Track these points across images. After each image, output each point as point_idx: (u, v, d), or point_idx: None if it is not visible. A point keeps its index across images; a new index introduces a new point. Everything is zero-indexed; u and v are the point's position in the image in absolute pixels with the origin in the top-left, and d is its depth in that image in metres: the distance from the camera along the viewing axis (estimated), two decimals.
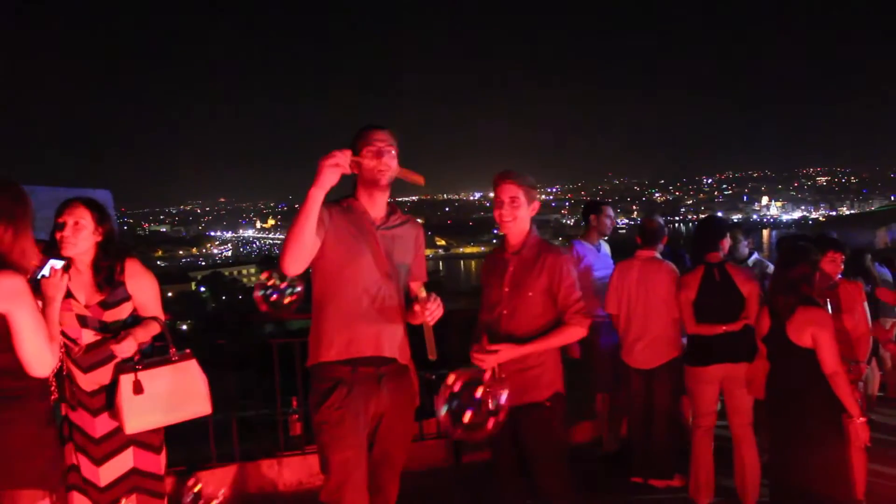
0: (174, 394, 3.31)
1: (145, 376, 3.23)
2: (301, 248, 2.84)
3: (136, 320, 3.39)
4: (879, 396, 7.36)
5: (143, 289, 3.43)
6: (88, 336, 3.29)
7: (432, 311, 2.99)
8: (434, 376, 4.78)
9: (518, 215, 3.50)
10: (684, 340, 5.08)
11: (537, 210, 3.62)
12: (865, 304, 5.03)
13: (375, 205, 3.15)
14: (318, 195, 2.76)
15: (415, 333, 3.20)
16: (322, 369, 3.06)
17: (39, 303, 2.77)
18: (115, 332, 3.30)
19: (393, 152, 3.08)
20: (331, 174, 2.73)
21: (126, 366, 3.25)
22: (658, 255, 5.18)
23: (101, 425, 3.31)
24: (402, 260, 3.18)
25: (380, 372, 3.07)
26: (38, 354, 2.64)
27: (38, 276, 2.89)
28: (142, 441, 3.37)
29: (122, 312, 3.36)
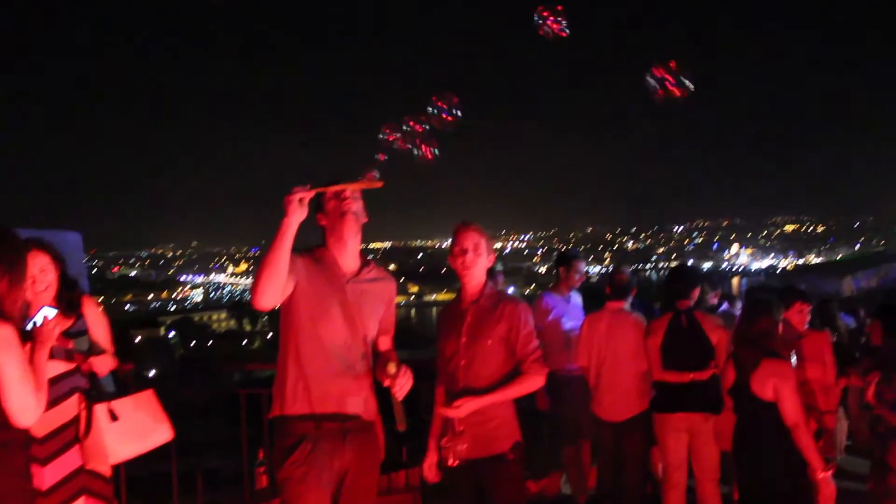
0: (141, 423, 3.36)
1: (116, 406, 3.26)
2: (276, 277, 2.80)
3: (94, 350, 3.41)
4: (847, 445, 7.39)
5: (99, 324, 3.49)
6: (54, 368, 3.23)
7: (402, 386, 2.97)
8: (405, 427, 4.74)
9: (479, 263, 3.52)
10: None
11: (493, 262, 3.66)
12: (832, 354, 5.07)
13: (347, 255, 3.14)
14: (291, 223, 2.76)
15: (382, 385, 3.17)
16: (285, 424, 3.03)
17: (27, 348, 2.78)
18: (80, 362, 3.31)
19: (358, 196, 3.11)
20: (297, 207, 2.76)
21: (95, 395, 3.28)
22: (627, 307, 5.21)
23: (50, 475, 3.20)
24: (372, 314, 3.16)
25: (344, 427, 3.03)
26: (24, 404, 2.62)
27: (31, 325, 2.91)
28: (94, 490, 3.29)
29: (83, 343, 3.39)
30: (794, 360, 4.55)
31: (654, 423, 4.89)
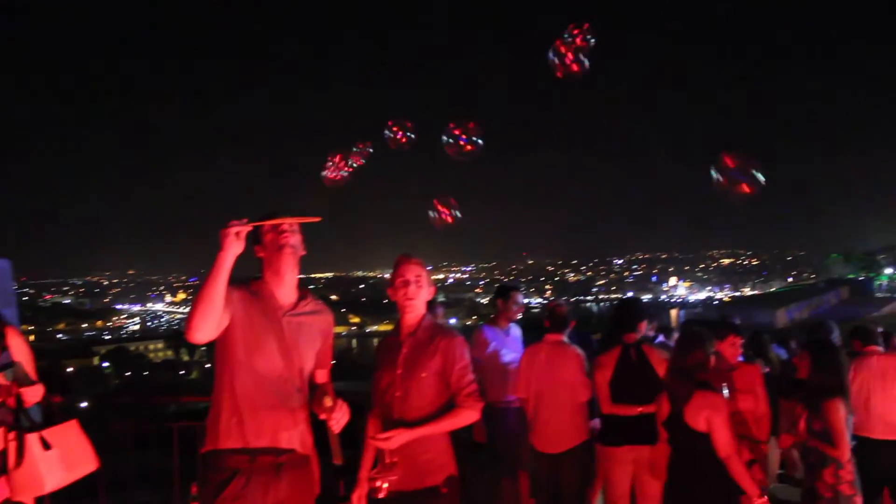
0: (68, 452, 3.31)
1: (47, 435, 3.21)
2: (211, 311, 2.79)
3: (20, 381, 3.35)
4: (780, 474, 7.53)
5: (24, 355, 3.41)
6: None
7: (338, 420, 2.95)
8: (342, 461, 4.68)
9: (421, 295, 3.53)
10: (593, 423, 5.13)
11: (433, 294, 3.67)
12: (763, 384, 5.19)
13: (284, 287, 3.12)
14: (226, 257, 2.76)
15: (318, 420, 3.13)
16: (218, 458, 2.97)
17: None
18: (5, 396, 3.24)
19: (296, 229, 3.10)
20: (233, 240, 2.75)
21: (28, 426, 3.21)
22: (565, 339, 5.25)
23: None
24: (308, 348, 3.13)
25: (279, 461, 2.99)
26: None
27: None
28: None
29: (9, 376, 3.34)
30: (726, 391, 4.65)
31: (600, 456, 4.93)
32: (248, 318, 3.00)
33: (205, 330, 2.82)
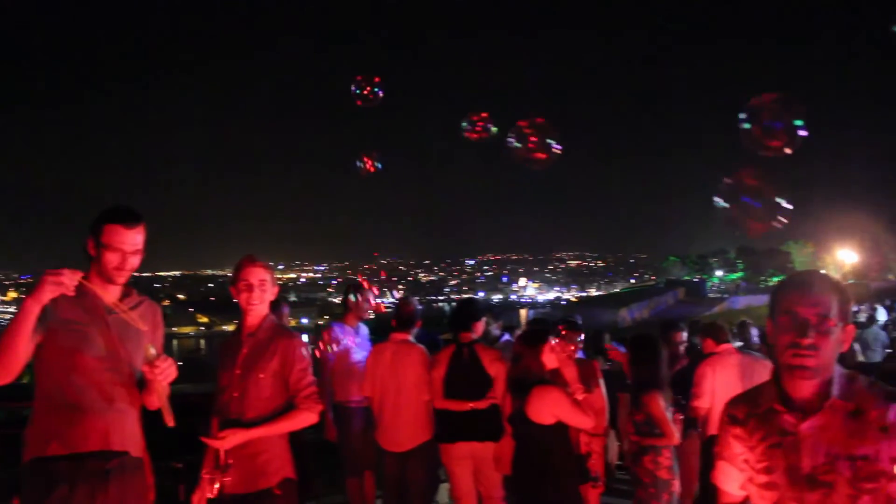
0: None
1: None
2: (13, 359, 2.70)
3: None
4: (618, 465, 7.90)
5: None
6: None
7: (163, 370, 2.82)
8: (182, 464, 4.54)
9: (266, 299, 3.48)
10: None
11: (276, 295, 3.63)
12: (602, 380, 5.45)
13: (110, 289, 2.97)
14: (33, 308, 2.65)
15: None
16: (41, 466, 2.80)
17: None
18: None
19: (139, 248, 2.98)
20: (51, 290, 2.63)
21: None
22: (411, 339, 5.29)
23: None
24: (137, 345, 2.99)
25: (107, 466, 2.85)
26: None
27: None
28: None
29: None
30: (568, 387, 4.85)
31: (439, 453, 5.01)
32: (69, 320, 2.86)
33: (9, 375, 2.73)
